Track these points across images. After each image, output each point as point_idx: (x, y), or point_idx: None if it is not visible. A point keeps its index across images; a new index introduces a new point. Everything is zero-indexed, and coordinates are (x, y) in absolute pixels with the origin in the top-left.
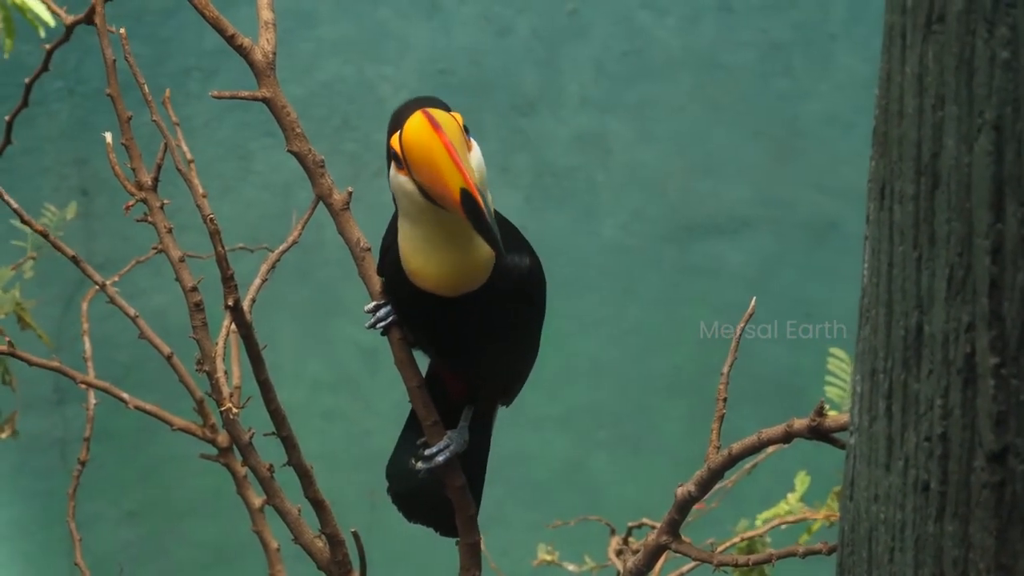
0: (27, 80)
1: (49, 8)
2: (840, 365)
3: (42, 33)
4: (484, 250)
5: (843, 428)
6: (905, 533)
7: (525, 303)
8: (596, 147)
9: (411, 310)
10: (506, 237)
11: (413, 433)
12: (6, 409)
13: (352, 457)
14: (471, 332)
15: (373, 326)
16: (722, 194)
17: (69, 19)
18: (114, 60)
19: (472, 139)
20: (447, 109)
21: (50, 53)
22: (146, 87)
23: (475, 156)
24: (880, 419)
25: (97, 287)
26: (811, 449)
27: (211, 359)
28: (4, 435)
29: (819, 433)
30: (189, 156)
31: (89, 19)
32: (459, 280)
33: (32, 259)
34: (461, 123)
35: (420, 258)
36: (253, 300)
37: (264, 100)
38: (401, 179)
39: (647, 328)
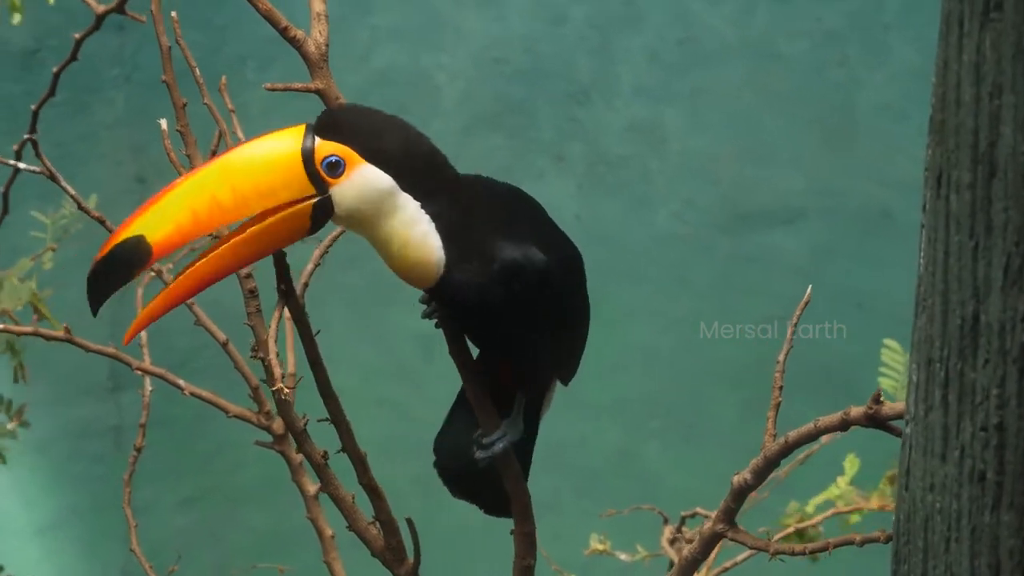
0: (55, 69)
1: None
2: (894, 356)
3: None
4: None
5: (899, 416)
6: (961, 523)
7: (528, 293)
8: (650, 136)
9: (439, 303)
10: (513, 227)
11: (463, 411)
12: (56, 397)
13: (406, 445)
14: (490, 321)
15: (427, 316)
16: (776, 183)
17: (100, 8)
18: (169, 47)
19: (359, 170)
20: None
21: (79, 42)
22: (198, 72)
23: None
24: (936, 409)
25: (153, 273)
26: (861, 438)
27: (265, 345)
28: (11, 426)
29: (876, 421)
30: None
31: (120, 8)
32: (415, 273)
33: (52, 250)
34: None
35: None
36: (305, 285)
37: (317, 92)
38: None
39: (700, 317)
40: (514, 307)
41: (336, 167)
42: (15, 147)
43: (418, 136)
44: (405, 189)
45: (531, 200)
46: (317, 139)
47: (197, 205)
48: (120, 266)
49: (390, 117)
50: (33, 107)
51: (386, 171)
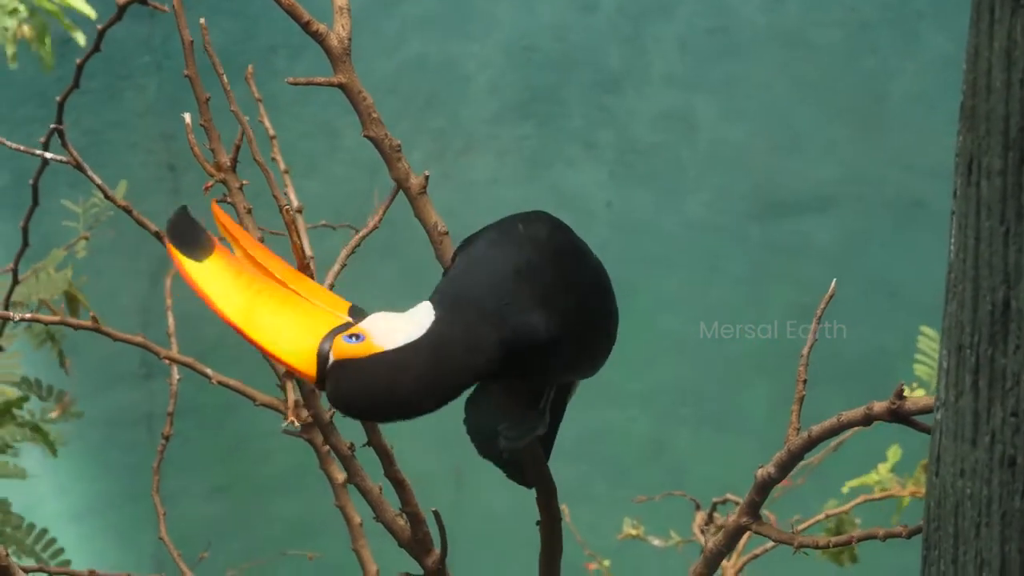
0: (78, 61)
1: None
2: (929, 344)
3: (81, 41)
4: None
5: (924, 411)
6: (992, 508)
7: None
8: (681, 124)
9: None
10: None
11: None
12: (89, 385)
13: (438, 436)
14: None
15: None
16: (807, 172)
17: None
18: (191, 42)
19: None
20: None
21: (101, 33)
22: (222, 70)
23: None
24: (966, 394)
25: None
26: (900, 429)
27: None
28: (53, 415)
29: (899, 416)
30: (271, 132)
31: None
32: None
33: (85, 239)
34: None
35: None
36: (332, 286)
37: (340, 86)
38: None
39: (731, 306)
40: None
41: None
42: (41, 139)
43: None
44: None
45: (547, 233)
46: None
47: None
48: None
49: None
50: (58, 98)
51: None
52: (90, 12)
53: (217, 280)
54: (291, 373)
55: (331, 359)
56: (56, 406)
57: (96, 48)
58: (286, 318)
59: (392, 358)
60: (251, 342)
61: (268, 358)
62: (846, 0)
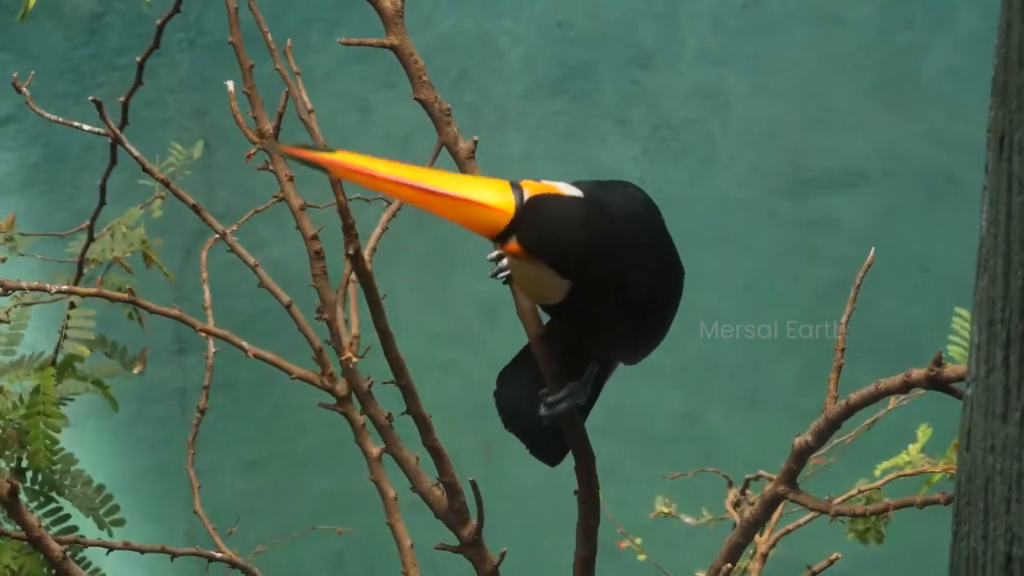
0: (159, 22)
1: None
2: (964, 324)
3: None
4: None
5: (961, 378)
6: (1022, 484)
7: (641, 318)
8: (713, 100)
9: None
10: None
11: (532, 365)
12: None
13: (469, 409)
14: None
15: (495, 275)
16: (840, 148)
17: None
18: (236, 8)
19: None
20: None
21: (161, 28)
22: (269, 35)
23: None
24: (997, 370)
25: (217, 236)
26: (932, 406)
27: (331, 307)
28: (136, 371)
29: (937, 383)
30: (309, 106)
31: None
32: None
33: (160, 198)
34: (535, 183)
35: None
36: (374, 249)
37: (392, 47)
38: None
39: (763, 281)
40: (613, 327)
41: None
42: (96, 100)
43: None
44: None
45: (654, 212)
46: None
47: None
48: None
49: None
50: (138, 59)
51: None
52: None
53: (374, 161)
54: (478, 225)
55: (526, 196)
56: (137, 362)
57: (176, 9)
58: (459, 180)
59: (576, 200)
60: (435, 199)
61: (456, 210)
62: None
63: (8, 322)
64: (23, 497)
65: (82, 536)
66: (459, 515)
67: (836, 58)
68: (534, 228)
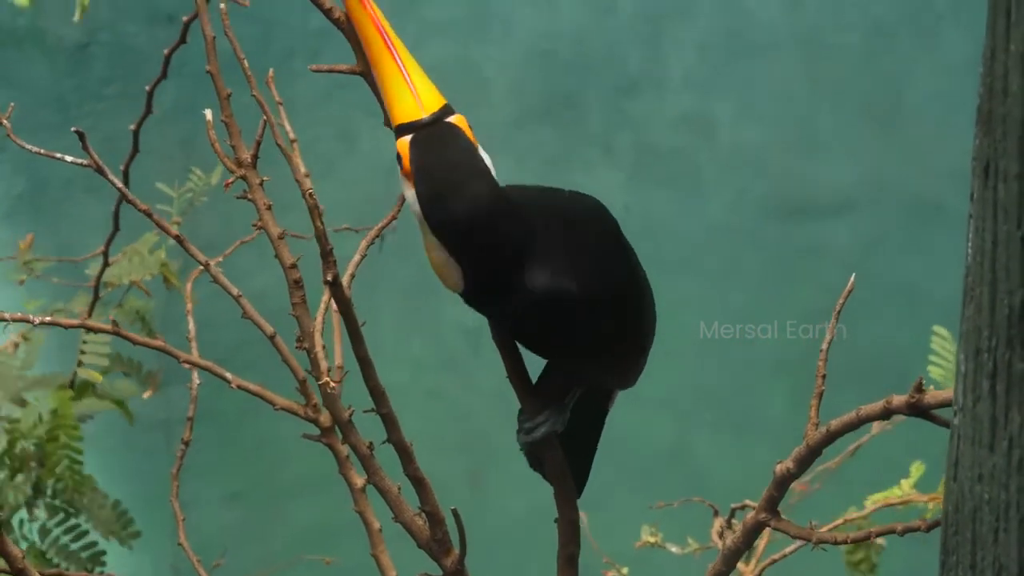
0: (148, 87)
1: None
2: (943, 344)
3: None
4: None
5: (943, 404)
6: (1009, 513)
7: (574, 319)
8: (700, 127)
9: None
10: (557, 247)
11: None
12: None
13: (454, 437)
14: (531, 334)
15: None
16: (826, 175)
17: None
18: (214, 37)
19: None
20: (453, 112)
21: (187, 25)
22: (246, 63)
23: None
24: (984, 399)
25: (201, 267)
26: (920, 437)
27: (310, 336)
28: (147, 395)
29: (918, 410)
30: (292, 135)
31: None
32: (441, 278)
33: (177, 223)
34: (466, 123)
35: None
36: (352, 276)
37: (361, 74)
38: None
39: (750, 308)
40: (541, 329)
41: (399, 162)
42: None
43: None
44: None
45: (599, 218)
46: (405, 138)
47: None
48: None
49: (460, 163)
50: (148, 87)
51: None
52: None
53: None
54: (395, 104)
55: (453, 117)
56: (148, 383)
57: (163, 75)
58: (414, 65)
59: (479, 157)
60: (390, 60)
61: (392, 80)
62: (863, 1)
63: (27, 340)
64: (40, 514)
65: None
66: (441, 544)
67: (821, 84)
68: (426, 151)
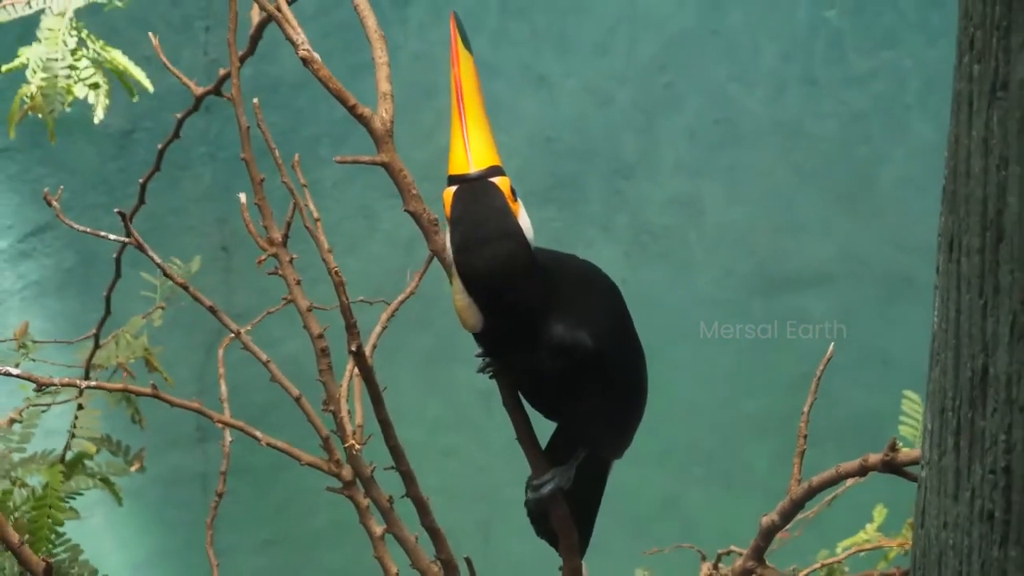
0: (160, 146)
1: (181, 81)
2: (913, 406)
3: (135, 98)
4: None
5: (913, 462)
6: (972, 558)
7: (584, 373)
8: (690, 208)
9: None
10: (573, 305)
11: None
12: (150, 446)
13: (468, 491)
14: (542, 388)
15: (482, 371)
16: (806, 251)
17: (199, 90)
18: (248, 127)
19: (519, 201)
20: (502, 173)
21: (181, 121)
22: (277, 152)
23: (523, 217)
24: (949, 453)
25: (233, 335)
26: (888, 486)
27: (336, 400)
28: (133, 469)
29: (892, 467)
30: (316, 215)
31: (217, 90)
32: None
33: (161, 308)
34: (509, 185)
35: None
36: (374, 346)
37: (382, 164)
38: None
39: (738, 373)
40: (558, 380)
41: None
42: (121, 212)
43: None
44: None
45: (610, 286)
46: (451, 188)
47: None
48: None
49: (488, 220)
50: (141, 180)
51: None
52: (147, 84)
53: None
54: (453, 152)
55: (497, 178)
56: (135, 460)
57: (176, 135)
58: (479, 121)
59: (519, 233)
60: (457, 112)
61: (455, 131)
62: (840, 94)
63: (21, 421)
64: None
65: None
66: None
67: (802, 169)
68: (464, 204)
